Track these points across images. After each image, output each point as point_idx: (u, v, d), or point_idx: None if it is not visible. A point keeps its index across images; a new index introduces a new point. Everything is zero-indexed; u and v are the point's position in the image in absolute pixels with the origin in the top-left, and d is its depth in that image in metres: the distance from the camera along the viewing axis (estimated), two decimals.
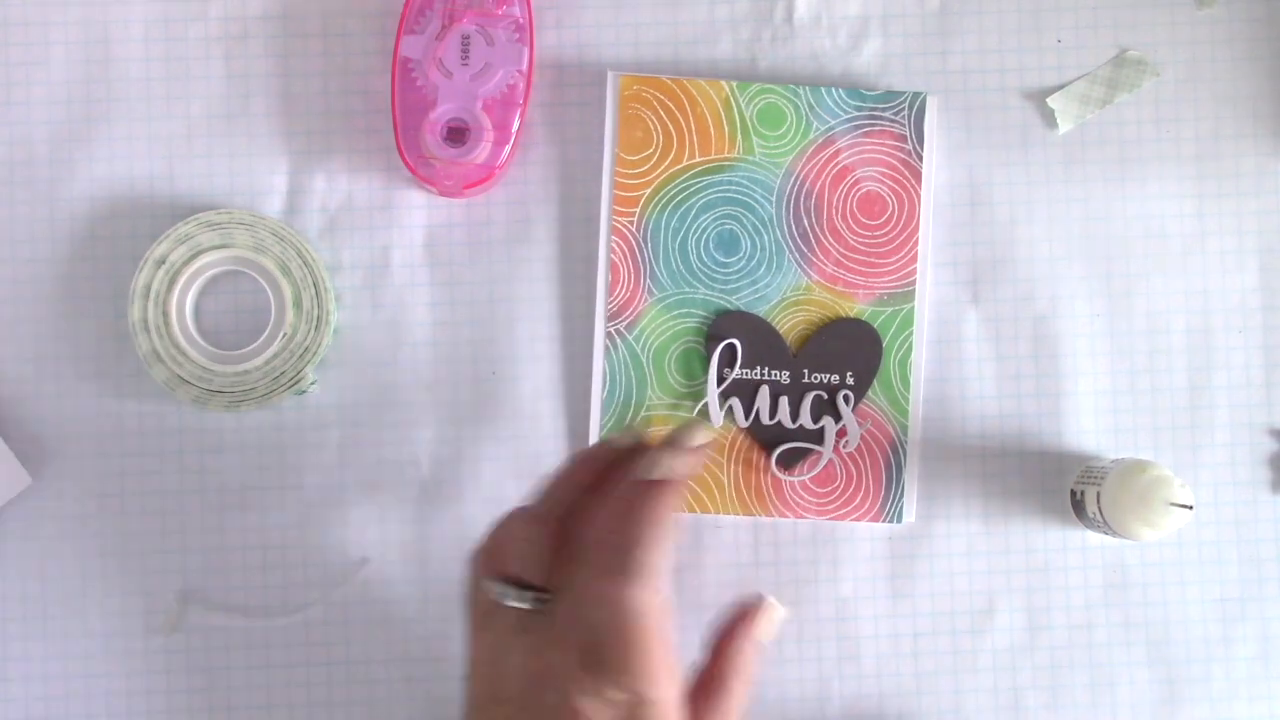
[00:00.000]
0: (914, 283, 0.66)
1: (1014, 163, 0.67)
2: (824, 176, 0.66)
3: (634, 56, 0.67)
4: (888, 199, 0.66)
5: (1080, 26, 0.67)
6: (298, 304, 0.64)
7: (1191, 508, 0.59)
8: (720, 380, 0.65)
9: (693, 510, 0.65)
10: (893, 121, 0.66)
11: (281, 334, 0.64)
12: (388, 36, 0.66)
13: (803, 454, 0.66)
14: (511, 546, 0.55)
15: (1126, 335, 0.66)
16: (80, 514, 0.65)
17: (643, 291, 0.66)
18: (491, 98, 0.64)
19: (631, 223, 0.66)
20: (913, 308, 0.66)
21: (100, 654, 0.65)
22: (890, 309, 0.66)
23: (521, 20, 0.64)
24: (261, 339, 0.65)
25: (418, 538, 0.66)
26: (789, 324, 0.66)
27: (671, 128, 0.66)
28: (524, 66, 0.64)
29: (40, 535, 0.65)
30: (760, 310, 0.66)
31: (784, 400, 0.65)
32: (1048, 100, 0.66)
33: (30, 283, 0.65)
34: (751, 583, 0.66)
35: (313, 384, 0.65)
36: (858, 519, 0.65)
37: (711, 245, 0.66)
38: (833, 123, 0.66)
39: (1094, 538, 0.66)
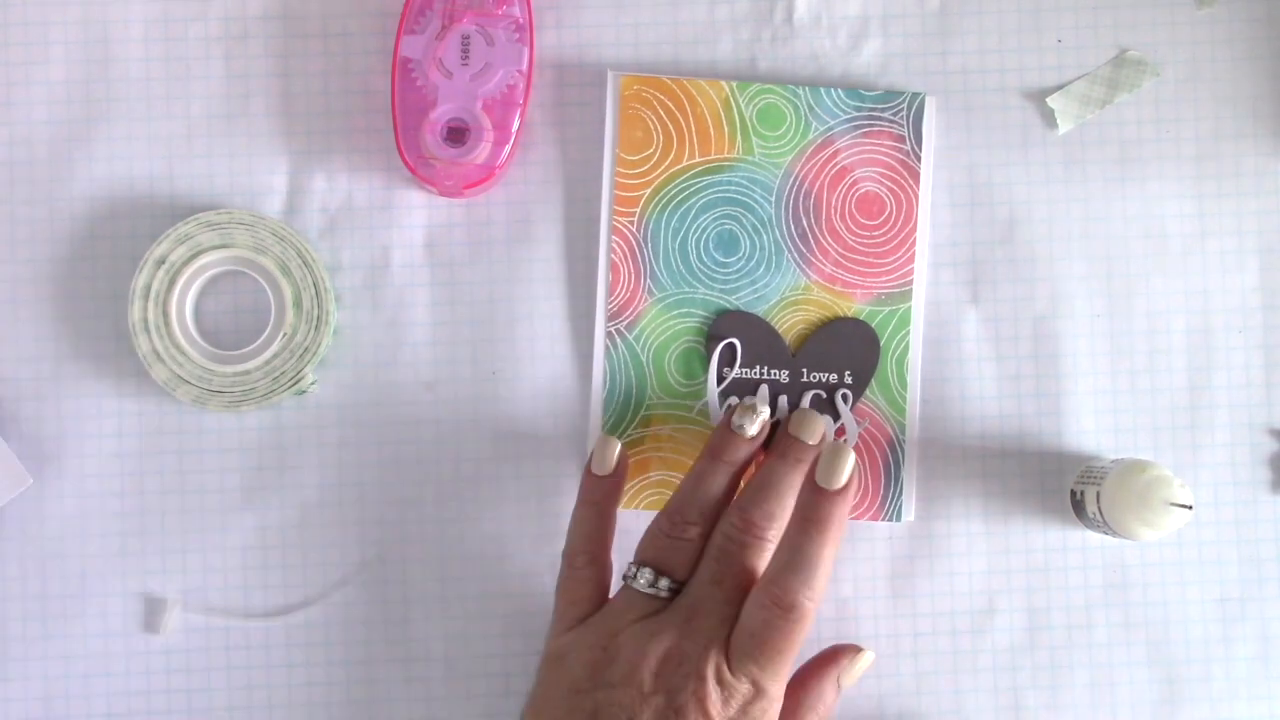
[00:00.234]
0: (911, 283, 0.66)
1: (1014, 163, 0.67)
2: (823, 177, 0.66)
3: (634, 56, 0.67)
4: (886, 199, 0.66)
5: (1080, 26, 0.67)
6: (298, 304, 0.65)
7: (1191, 508, 0.59)
8: (720, 380, 0.66)
9: None
10: (891, 122, 0.66)
11: (281, 334, 0.65)
12: (388, 36, 0.66)
13: None
14: (663, 543, 0.59)
15: (1126, 335, 0.66)
16: (80, 514, 0.65)
17: (643, 291, 0.66)
18: (491, 98, 0.64)
19: (631, 223, 0.66)
20: (910, 307, 0.66)
21: (100, 654, 0.65)
22: (887, 309, 0.66)
23: (521, 20, 0.64)
24: (261, 339, 0.65)
25: (418, 538, 0.66)
26: (788, 323, 0.66)
27: (671, 128, 0.66)
28: (524, 66, 0.64)
29: (40, 535, 0.65)
30: (759, 310, 0.66)
31: (783, 399, 0.65)
32: (1048, 100, 0.66)
33: (30, 283, 0.65)
34: None
35: (313, 384, 0.65)
36: (857, 518, 0.65)
37: (711, 245, 0.66)
38: (832, 123, 0.66)
39: (1094, 538, 0.66)
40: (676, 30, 0.67)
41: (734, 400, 0.63)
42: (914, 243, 0.66)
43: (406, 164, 0.64)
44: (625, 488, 0.64)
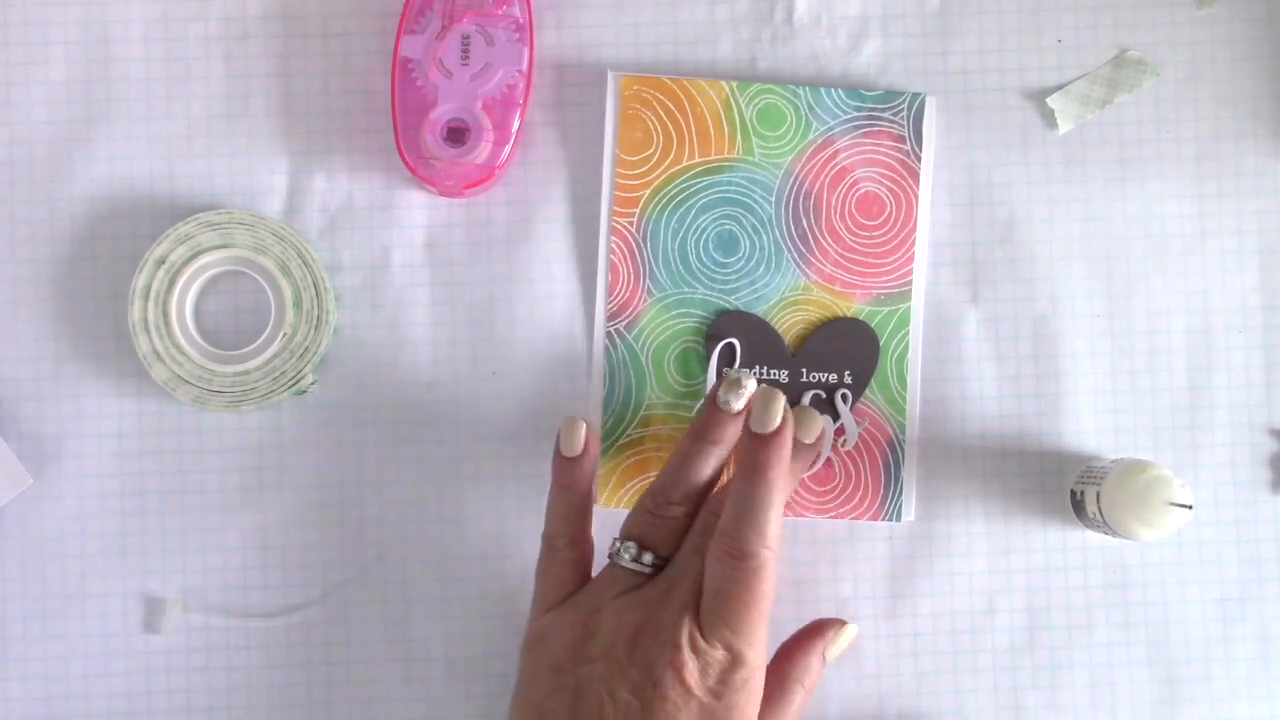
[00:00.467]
0: (911, 283, 0.66)
1: (1014, 163, 0.67)
2: (823, 177, 0.66)
3: (634, 56, 0.67)
4: (886, 199, 0.66)
5: (1080, 26, 0.67)
6: (298, 304, 0.65)
7: (1191, 507, 0.59)
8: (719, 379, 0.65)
9: None
10: (891, 122, 0.66)
11: (281, 334, 0.65)
12: (388, 36, 0.66)
13: None
14: (647, 519, 0.59)
15: (1126, 335, 0.66)
16: (80, 514, 0.65)
17: (642, 291, 0.66)
18: (491, 98, 0.64)
19: (631, 223, 0.66)
20: (909, 307, 0.66)
21: (100, 654, 0.65)
22: (887, 309, 0.66)
23: (521, 20, 0.64)
24: (261, 339, 0.65)
25: (417, 537, 0.66)
26: (787, 323, 0.66)
27: (671, 128, 0.66)
28: (524, 66, 0.64)
29: (40, 535, 0.65)
30: (759, 310, 0.66)
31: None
32: (1048, 100, 0.66)
33: (30, 283, 0.66)
34: None
35: (313, 384, 0.65)
36: (856, 517, 0.65)
37: (711, 245, 0.66)
38: (832, 123, 0.66)
39: (1094, 538, 0.66)
40: (676, 30, 0.67)
41: (727, 371, 0.62)
42: (914, 243, 0.66)
43: (406, 164, 0.64)
44: (624, 487, 0.64)
